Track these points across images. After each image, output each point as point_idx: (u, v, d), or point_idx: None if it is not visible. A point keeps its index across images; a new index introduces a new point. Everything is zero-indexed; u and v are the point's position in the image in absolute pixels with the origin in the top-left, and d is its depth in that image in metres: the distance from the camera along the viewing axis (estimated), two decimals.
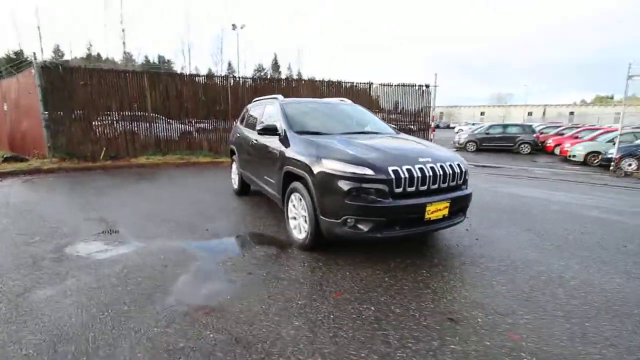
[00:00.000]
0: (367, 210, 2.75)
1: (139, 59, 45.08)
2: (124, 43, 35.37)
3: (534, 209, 5.04)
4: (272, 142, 3.94)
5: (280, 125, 3.86)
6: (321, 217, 2.97)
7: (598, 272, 2.94)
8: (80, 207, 4.89)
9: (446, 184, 3.04)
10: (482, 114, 54.53)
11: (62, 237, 3.67)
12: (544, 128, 19.13)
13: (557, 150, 14.82)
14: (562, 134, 16.70)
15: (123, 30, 35.04)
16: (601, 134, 13.44)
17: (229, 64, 50.05)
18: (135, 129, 10.13)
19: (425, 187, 2.91)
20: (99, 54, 47.16)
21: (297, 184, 3.33)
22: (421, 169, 2.89)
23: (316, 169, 2.98)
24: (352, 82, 11.94)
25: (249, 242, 3.62)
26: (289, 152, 3.53)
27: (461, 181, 3.20)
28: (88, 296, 2.46)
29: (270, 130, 3.85)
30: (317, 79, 11.83)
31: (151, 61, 49.40)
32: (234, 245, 3.55)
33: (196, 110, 10.79)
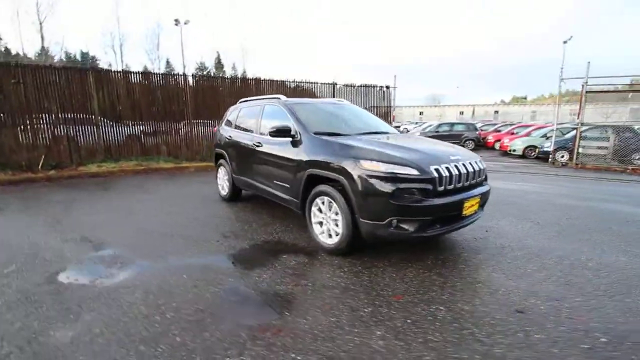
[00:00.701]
0: (414, 210, 2.74)
1: (59, 55, 39.92)
2: (42, 37, 31.08)
3: (517, 200, 5.49)
4: (284, 144, 3.74)
5: (293, 126, 3.68)
6: (361, 220, 2.88)
7: (604, 253, 3.29)
8: (49, 226, 4.15)
9: (474, 180, 3.16)
10: (421, 113, 58.25)
11: (47, 264, 3.07)
12: (483, 126, 21.08)
13: (497, 146, 16.43)
14: (500, 131, 18.56)
15: (41, 23, 30.81)
16: (534, 129, 15.20)
17: (167, 62, 46.90)
18: (80, 133, 8.96)
19: (461, 185, 2.99)
20: (7, 49, 40.77)
21: (324, 187, 3.20)
22: (456, 167, 2.96)
23: (355, 171, 2.88)
24: (316, 82, 11.92)
25: (271, 251, 3.39)
26: (310, 155, 3.37)
27: (483, 177, 3.35)
28: (124, 332, 2.08)
29: (283, 132, 3.64)
30: (280, 78, 11.56)
31: (72, 57, 44.11)
32: (258, 255, 3.29)
33: (151, 111, 9.87)
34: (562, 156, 11.46)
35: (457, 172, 2.93)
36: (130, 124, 9.82)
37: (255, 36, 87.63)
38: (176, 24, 29.04)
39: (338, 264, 3.06)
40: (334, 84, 12.22)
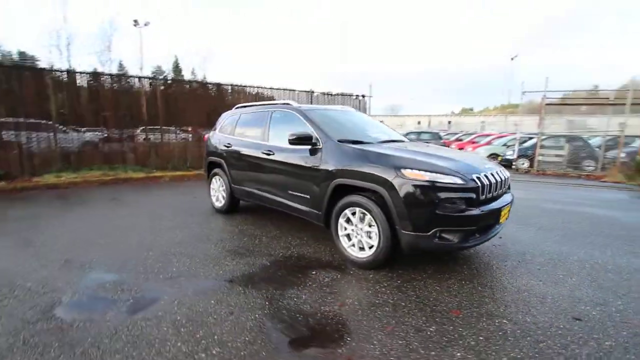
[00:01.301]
0: (459, 220, 2.67)
1: None
2: None
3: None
4: (301, 153, 3.53)
5: (313, 134, 3.48)
6: (403, 231, 2.75)
7: (615, 256, 3.46)
8: (21, 248, 3.51)
9: (504, 188, 3.19)
10: (381, 121, 60.22)
11: (34, 295, 2.55)
12: (444, 135, 22.20)
13: None
14: (461, 140, 19.65)
15: None
16: (495, 138, 16.29)
17: (120, 64, 43.94)
18: (33, 139, 7.93)
19: (496, 193, 2.99)
20: None
21: (357, 198, 3.03)
22: (492, 175, 2.96)
23: (397, 181, 2.75)
24: (294, 90, 11.75)
25: (296, 267, 3.13)
26: (338, 164, 3.20)
27: (508, 185, 3.39)
28: None
29: (304, 140, 3.44)
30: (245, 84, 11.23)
31: (9, 55, 39.64)
32: (283, 273, 3.01)
33: (116, 116, 9.02)
34: (523, 163, 12.34)
35: (494, 181, 2.92)
36: (91, 130, 8.92)
37: (217, 41, 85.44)
38: (135, 25, 27.36)
39: (375, 278, 2.89)
40: (311, 92, 12.14)
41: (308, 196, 3.51)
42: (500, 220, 2.99)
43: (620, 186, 8.39)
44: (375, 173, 2.88)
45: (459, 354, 1.92)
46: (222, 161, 4.81)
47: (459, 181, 2.68)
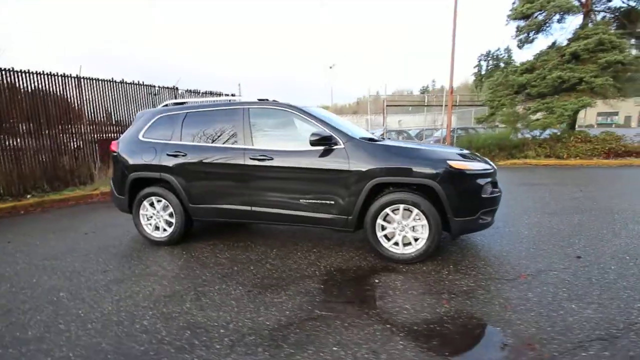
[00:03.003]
0: (493, 201, 3.08)
1: None
2: None
3: None
4: (321, 155, 3.17)
5: (331, 133, 3.16)
6: (455, 218, 2.94)
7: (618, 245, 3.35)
8: None
9: None
10: None
11: None
12: None
13: None
14: None
15: None
16: None
17: None
18: None
19: None
20: None
21: (400, 195, 3.00)
22: None
23: (447, 173, 2.89)
24: (154, 85, 9.81)
25: (355, 279, 2.81)
26: (370, 163, 3.04)
27: None
28: None
29: (325, 141, 3.08)
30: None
31: None
32: (351, 291, 2.64)
33: None
34: None
35: None
36: None
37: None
38: None
39: (434, 269, 2.94)
40: (175, 88, 10.46)
41: (332, 202, 3.17)
42: None
43: None
44: (425, 168, 2.94)
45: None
46: (170, 176, 3.60)
47: (489, 167, 3.10)
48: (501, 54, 69.76)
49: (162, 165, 3.64)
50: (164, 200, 3.70)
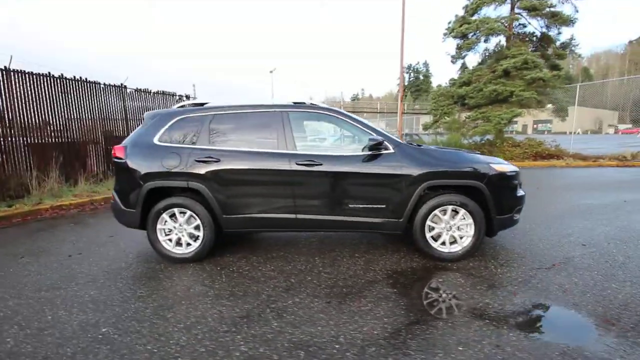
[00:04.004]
0: (523, 199, 3.44)
1: None
2: None
3: None
4: (374, 160, 3.20)
5: (382, 138, 3.22)
6: (497, 217, 3.21)
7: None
8: None
9: None
10: None
11: None
12: None
13: None
14: None
15: None
16: None
17: None
18: None
19: None
20: None
21: (449, 197, 3.19)
22: None
23: (492, 175, 3.16)
24: (98, 82, 8.63)
25: (442, 286, 2.89)
26: (420, 167, 3.17)
27: None
28: None
29: (379, 146, 3.14)
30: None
31: None
32: (454, 295, 2.72)
33: None
34: None
35: None
36: None
37: None
38: None
39: (481, 265, 3.16)
40: (123, 86, 9.34)
41: (383, 205, 3.21)
42: None
43: None
44: (474, 170, 3.16)
45: None
46: (200, 184, 3.23)
47: (517, 169, 3.46)
48: (420, 68, 78.00)
49: (190, 173, 3.25)
50: (188, 212, 3.31)
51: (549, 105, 15.11)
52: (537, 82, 11.44)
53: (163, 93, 10.58)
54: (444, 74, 52.45)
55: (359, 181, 3.23)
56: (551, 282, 2.81)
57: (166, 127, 3.40)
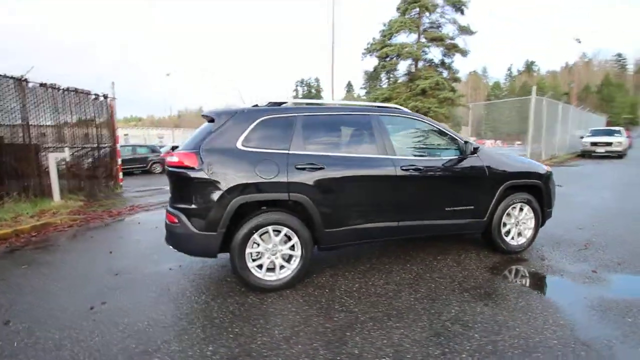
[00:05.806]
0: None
1: None
2: None
3: None
4: (466, 162, 3.36)
5: (472, 143, 3.44)
6: (547, 210, 3.76)
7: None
8: None
9: None
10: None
11: None
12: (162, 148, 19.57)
13: None
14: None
15: None
16: None
17: None
18: None
19: None
20: None
21: (522, 195, 3.56)
22: None
23: (547, 174, 3.71)
24: None
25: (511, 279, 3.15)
26: (498, 167, 3.47)
27: None
28: None
29: (473, 151, 3.35)
30: None
31: None
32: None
33: None
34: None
35: None
36: None
37: None
38: None
39: (540, 255, 3.60)
40: (23, 80, 7.08)
41: (472, 207, 3.38)
42: None
43: None
44: (537, 171, 3.64)
45: None
46: (303, 196, 2.76)
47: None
48: (312, 82, 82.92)
49: (292, 183, 2.76)
50: (285, 230, 2.80)
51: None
52: (446, 101, 13.66)
53: (75, 90, 8.44)
54: (336, 89, 56.78)
55: (455, 184, 3.34)
56: (603, 258, 3.45)
57: (249, 128, 2.82)
